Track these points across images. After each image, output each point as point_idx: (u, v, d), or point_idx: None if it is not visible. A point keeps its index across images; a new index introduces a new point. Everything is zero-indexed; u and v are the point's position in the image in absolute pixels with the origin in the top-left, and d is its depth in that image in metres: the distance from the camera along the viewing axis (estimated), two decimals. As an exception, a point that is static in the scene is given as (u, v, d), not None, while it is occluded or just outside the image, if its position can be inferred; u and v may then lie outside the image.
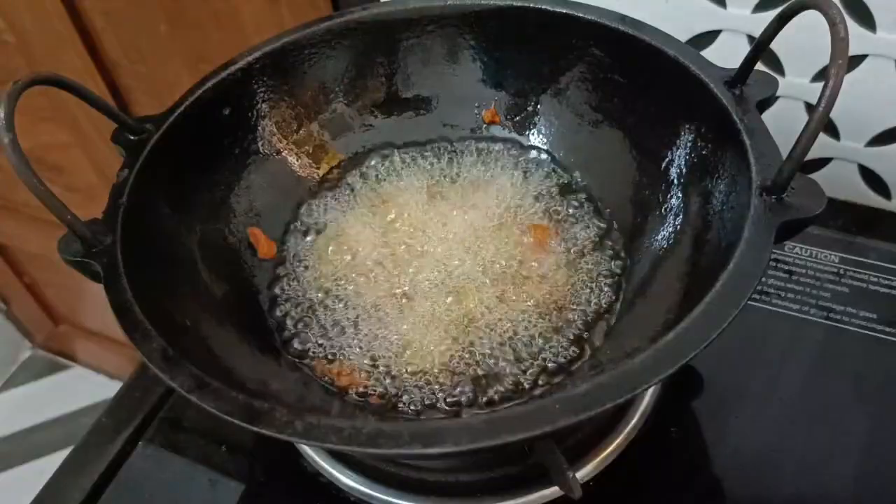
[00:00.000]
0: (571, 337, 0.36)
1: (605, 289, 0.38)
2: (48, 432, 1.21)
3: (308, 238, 0.43)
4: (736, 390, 0.39)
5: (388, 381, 0.36)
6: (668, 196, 0.38)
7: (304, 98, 0.45)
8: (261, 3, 0.63)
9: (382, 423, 0.24)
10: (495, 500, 0.35)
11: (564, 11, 0.41)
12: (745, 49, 0.46)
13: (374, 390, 0.35)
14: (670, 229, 0.37)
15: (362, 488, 0.37)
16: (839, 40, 0.26)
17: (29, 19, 0.74)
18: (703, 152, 0.36)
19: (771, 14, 0.40)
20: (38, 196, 0.29)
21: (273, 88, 0.43)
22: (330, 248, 0.42)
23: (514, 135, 0.46)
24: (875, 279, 0.43)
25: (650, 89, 0.39)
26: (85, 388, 1.27)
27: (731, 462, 0.37)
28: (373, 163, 0.46)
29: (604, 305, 0.38)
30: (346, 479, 0.37)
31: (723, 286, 0.27)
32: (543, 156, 0.45)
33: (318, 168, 0.45)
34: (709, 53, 0.42)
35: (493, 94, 0.46)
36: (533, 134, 0.46)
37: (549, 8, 0.41)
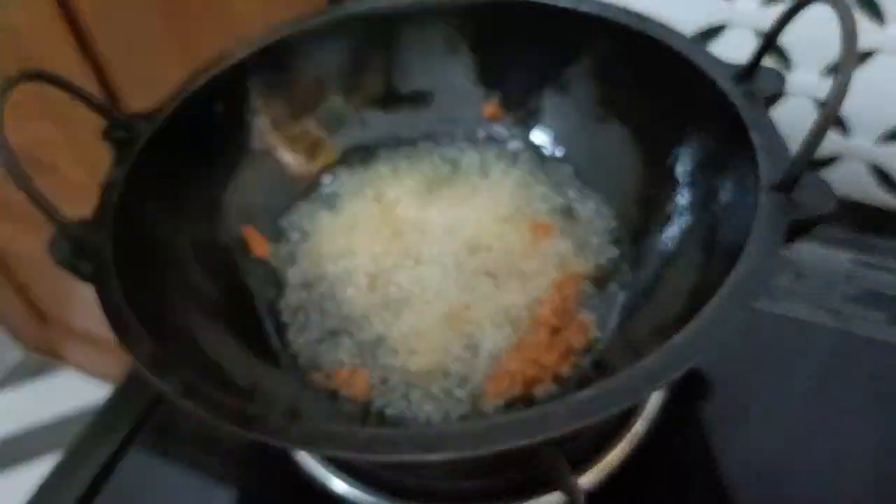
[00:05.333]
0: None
1: (610, 289, 0.38)
2: (38, 436, 1.20)
3: (303, 236, 0.42)
4: (744, 395, 0.39)
5: (385, 384, 0.35)
6: (675, 194, 0.37)
7: (300, 93, 0.44)
8: (256, -4, 0.63)
9: (379, 429, 0.24)
10: (496, 507, 0.35)
11: (567, 5, 0.40)
12: (752, 44, 0.45)
13: (371, 394, 0.35)
14: (677, 228, 0.36)
15: (357, 494, 0.36)
16: (849, 35, 0.26)
17: (20, 16, 0.74)
18: (710, 149, 0.35)
19: (779, 8, 0.39)
20: (28, 195, 0.28)
21: (267, 83, 0.42)
22: (325, 247, 0.41)
23: (515, 131, 0.46)
24: (887, 281, 0.43)
25: (656, 85, 0.39)
26: (76, 391, 1.27)
27: (739, 468, 0.37)
28: (370, 159, 0.45)
29: (608, 306, 0.37)
30: (341, 485, 0.37)
31: (731, 287, 0.26)
32: (546, 152, 0.45)
33: (313, 165, 0.45)
34: (716, 48, 0.41)
35: (494, 89, 0.46)
36: (535, 130, 0.45)
37: (551, 1, 0.41)
